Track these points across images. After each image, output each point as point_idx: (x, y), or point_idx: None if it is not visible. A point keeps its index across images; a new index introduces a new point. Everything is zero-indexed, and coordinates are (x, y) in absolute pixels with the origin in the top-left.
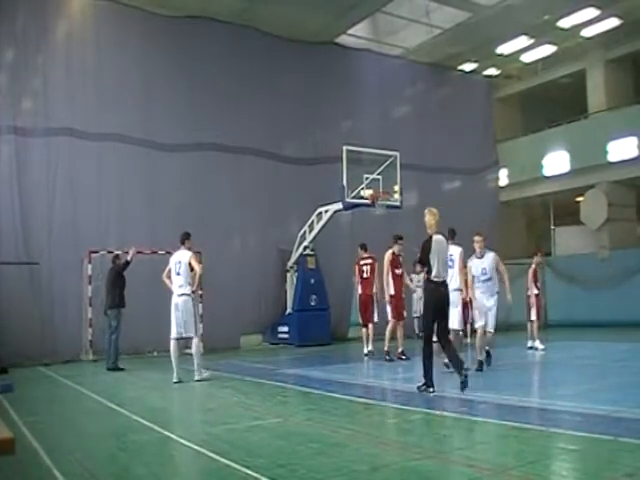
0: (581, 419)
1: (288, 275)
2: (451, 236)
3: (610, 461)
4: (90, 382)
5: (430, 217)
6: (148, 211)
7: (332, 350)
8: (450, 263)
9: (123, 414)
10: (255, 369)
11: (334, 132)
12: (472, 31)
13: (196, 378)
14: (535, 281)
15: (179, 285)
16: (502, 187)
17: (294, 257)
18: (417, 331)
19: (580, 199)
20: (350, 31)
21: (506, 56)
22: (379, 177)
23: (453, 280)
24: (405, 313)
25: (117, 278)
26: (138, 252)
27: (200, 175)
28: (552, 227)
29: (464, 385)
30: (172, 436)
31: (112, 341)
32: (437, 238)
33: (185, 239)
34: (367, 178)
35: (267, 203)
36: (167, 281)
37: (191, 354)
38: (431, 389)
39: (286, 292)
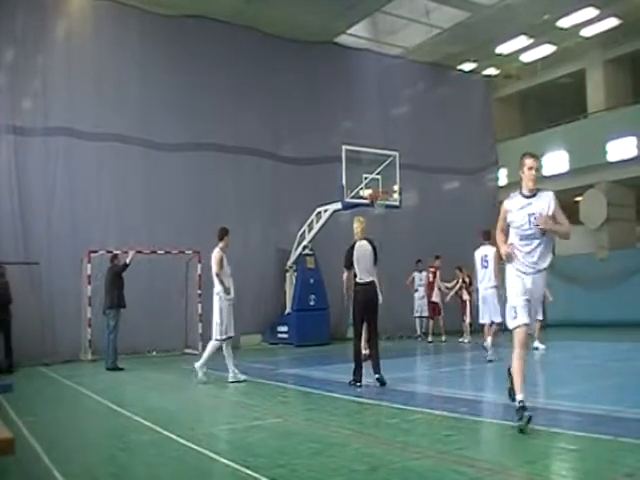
0: (581, 419)
1: (287, 275)
2: (486, 237)
3: (610, 461)
4: (90, 382)
5: (357, 225)
6: (147, 211)
7: (331, 350)
8: (485, 263)
9: (123, 414)
10: (255, 369)
11: (333, 132)
12: (471, 31)
13: (230, 380)
14: None
15: (215, 285)
16: (501, 187)
17: (293, 257)
18: (419, 331)
19: (579, 199)
20: (350, 31)
21: (505, 56)
22: (378, 177)
23: (486, 279)
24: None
25: (115, 278)
26: (137, 252)
27: (199, 175)
28: None
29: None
30: (172, 436)
31: (110, 341)
32: (360, 244)
33: (222, 235)
34: (366, 178)
35: (266, 203)
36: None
37: (191, 353)
38: (359, 384)
39: (285, 292)
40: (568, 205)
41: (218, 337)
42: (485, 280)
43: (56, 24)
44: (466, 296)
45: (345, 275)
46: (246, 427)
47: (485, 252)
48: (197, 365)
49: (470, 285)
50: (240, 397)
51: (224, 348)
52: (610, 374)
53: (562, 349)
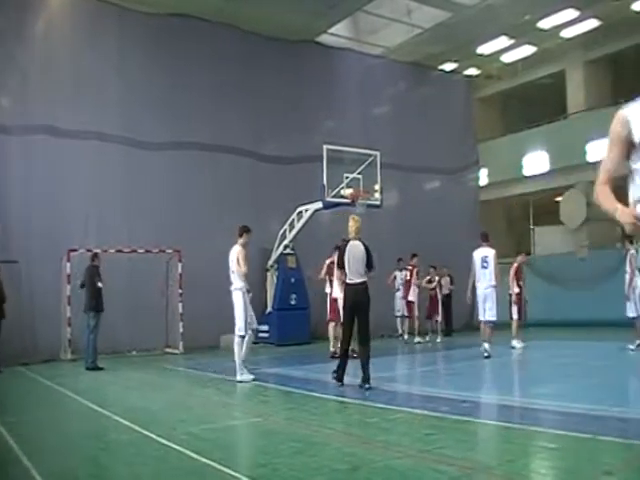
0: (561, 417)
1: (268, 274)
2: (484, 239)
3: (589, 459)
4: (70, 382)
5: (352, 223)
6: (127, 210)
7: (312, 349)
8: (485, 264)
9: (103, 414)
10: (236, 368)
11: (315, 131)
12: (452, 31)
13: (237, 379)
14: (517, 279)
15: (233, 282)
16: (482, 187)
17: (274, 256)
18: (400, 331)
19: (559, 199)
20: (331, 30)
21: (486, 56)
22: (359, 176)
23: (487, 279)
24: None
25: (92, 279)
26: (118, 251)
27: (180, 174)
28: (532, 226)
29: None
30: (152, 436)
31: (90, 340)
32: (353, 244)
33: (241, 232)
34: (347, 177)
35: (247, 202)
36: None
37: (172, 353)
38: (340, 383)
39: (266, 291)
40: (548, 205)
41: (242, 333)
42: (485, 280)
43: (35, 21)
44: (439, 295)
45: (336, 275)
46: (227, 426)
47: (485, 253)
48: (238, 374)
49: (451, 284)
50: (221, 396)
51: (238, 344)
52: (589, 373)
53: (542, 348)
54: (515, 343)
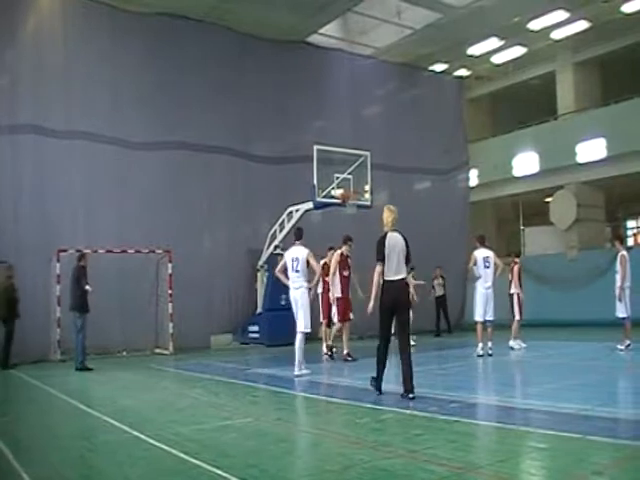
0: (550, 417)
1: (258, 274)
2: (481, 241)
3: (579, 459)
4: (59, 382)
5: (387, 214)
6: (117, 210)
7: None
8: (487, 264)
9: (93, 415)
10: (225, 369)
11: (305, 131)
12: (443, 32)
13: (295, 373)
14: (520, 280)
15: (296, 281)
16: (472, 187)
17: (264, 256)
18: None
19: (549, 200)
20: (321, 30)
21: (477, 57)
22: (350, 177)
23: (489, 279)
24: (352, 315)
25: (80, 279)
26: (107, 251)
27: (170, 174)
28: (522, 227)
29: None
30: (142, 436)
31: (79, 341)
32: (392, 235)
33: (301, 235)
34: (338, 178)
35: (237, 202)
36: (281, 276)
37: (162, 354)
38: (378, 392)
39: (256, 291)
40: (538, 205)
41: (308, 330)
42: (488, 280)
43: (25, 20)
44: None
45: (377, 270)
46: (216, 427)
47: (486, 254)
48: (296, 370)
49: (444, 285)
50: (210, 397)
51: (301, 340)
52: (579, 373)
53: (532, 349)
54: (514, 344)
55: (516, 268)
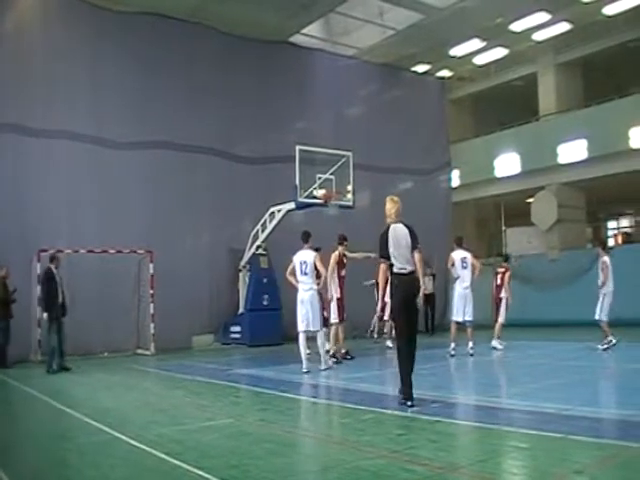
0: (532, 417)
1: (240, 275)
2: (459, 242)
3: (560, 458)
4: (40, 383)
5: (390, 205)
6: (99, 210)
7: (284, 350)
8: (464, 264)
9: (74, 416)
10: (207, 369)
11: (287, 131)
12: (425, 33)
13: (322, 367)
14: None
15: (306, 283)
16: (454, 188)
17: (247, 257)
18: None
19: (531, 200)
20: (304, 31)
21: (459, 58)
22: (332, 177)
23: (467, 279)
24: (346, 315)
25: (44, 282)
26: (89, 251)
27: (152, 173)
28: (503, 228)
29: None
30: (123, 437)
31: (48, 343)
32: (395, 227)
33: (308, 238)
34: (320, 178)
35: (220, 202)
36: (291, 278)
37: (143, 354)
38: (409, 402)
39: (238, 292)
40: (520, 206)
41: (316, 329)
42: (466, 280)
43: (4, 18)
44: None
45: (382, 268)
46: (198, 428)
47: (464, 255)
48: (324, 366)
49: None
50: (192, 397)
51: (326, 334)
52: (560, 373)
53: (514, 349)
54: (496, 343)
55: (507, 274)
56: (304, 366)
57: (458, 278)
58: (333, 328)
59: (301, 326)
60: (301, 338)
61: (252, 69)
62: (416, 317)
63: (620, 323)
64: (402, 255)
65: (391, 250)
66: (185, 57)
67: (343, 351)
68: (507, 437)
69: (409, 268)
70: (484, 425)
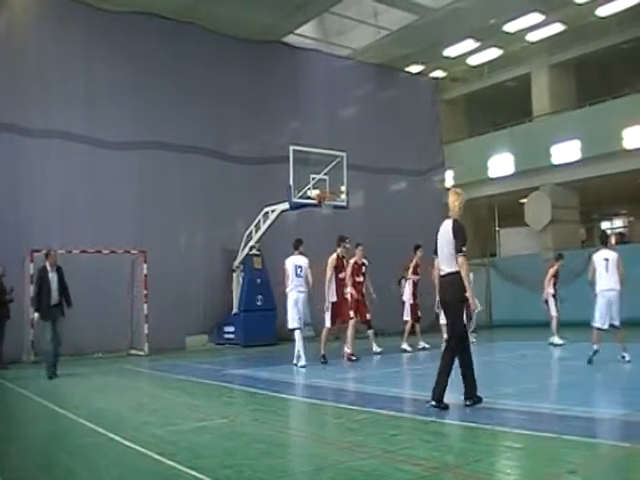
0: (526, 417)
1: (234, 275)
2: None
3: (554, 458)
4: (33, 384)
5: (453, 197)
6: (92, 209)
7: (278, 350)
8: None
9: (67, 417)
10: (201, 370)
11: (281, 132)
12: (419, 33)
13: (301, 364)
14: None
15: (301, 286)
16: (448, 188)
17: (240, 257)
18: None
19: (524, 201)
20: (298, 31)
21: (452, 59)
22: (326, 177)
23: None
24: (352, 314)
25: (39, 281)
26: (82, 251)
27: (145, 174)
28: (497, 228)
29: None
30: (117, 438)
31: (43, 346)
32: (444, 223)
33: (299, 245)
34: (314, 178)
35: (213, 202)
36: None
37: (137, 354)
38: (442, 406)
39: (232, 292)
40: (513, 207)
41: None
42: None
43: None
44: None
45: (434, 264)
46: (192, 428)
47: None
48: (302, 362)
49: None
50: (185, 398)
51: (299, 336)
52: (554, 373)
53: (507, 349)
54: (556, 339)
55: (550, 271)
56: (303, 360)
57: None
58: (324, 331)
59: (297, 323)
60: (297, 334)
61: (246, 69)
62: (456, 319)
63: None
64: (442, 255)
65: (439, 249)
66: (178, 57)
67: (349, 352)
68: (501, 437)
69: (447, 270)
70: (478, 425)
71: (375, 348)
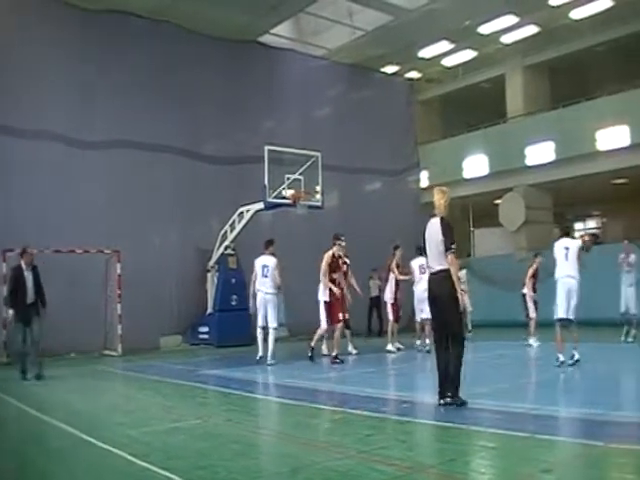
0: (500, 417)
1: (209, 275)
2: (419, 252)
3: (528, 457)
4: (5, 386)
5: (438, 196)
6: (66, 209)
7: (253, 351)
8: (422, 270)
9: (41, 419)
10: (175, 370)
11: (256, 131)
12: (394, 34)
13: (268, 362)
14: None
15: (267, 285)
16: (423, 189)
17: (215, 257)
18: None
19: (499, 201)
20: (273, 30)
21: (427, 60)
22: (301, 177)
23: (423, 283)
24: (342, 316)
25: (11, 279)
26: (55, 251)
27: (119, 173)
28: (471, 229)
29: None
30: (90, 439)
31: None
32: (431, 222)
33: (269, 245)
34: (289, 178)
35: (188, 202)
36: (252, 284)
37: (110, 355)
38: (446, 402)
39: (206, 292)
40: (488, 207)
41: (275, 325)
42: (422, 283)
43: None
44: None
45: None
46: (166, 429)
47: (422, 262)
48: (271, 361)
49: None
50: (159, 399)
51: (260, 335)
52: (527, 373)
53: (481, 349)
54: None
55: (530, 270)
56: (260, 354)
57: (415, 281)
58: (319, 331)
59: (261, 322)
60: (259, 332)
61: (221, 68)
62: (449, 318)
63: (589, 323)
64: (431, 253)
65: (427, 247)
66: (152, 56)
67: (334, 354)
68: (476, 437)
69: (437, 267)
70: (453, 425)
71: (351, 349)
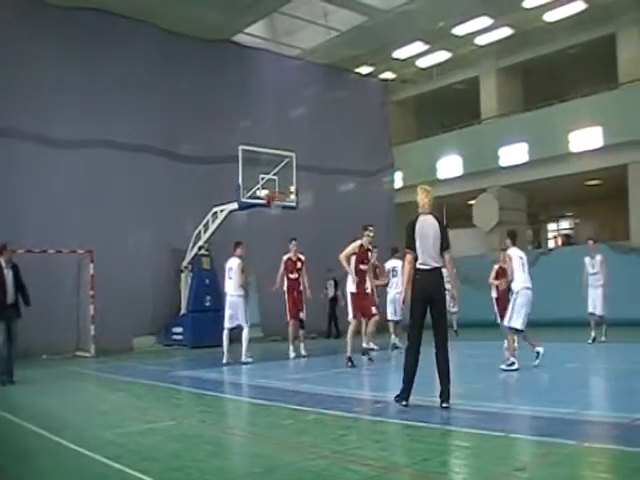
0: (474, 416)
1: (182, 275)
2: (394, 252)
3: (501, 456)
4: None
5: (422, 194)
6: (39, 209)
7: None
8: (394, 273)
9: (12, 421)
10: (149, 371)
11: (231, 131)
12: (368, 35)
13: (242, 360)
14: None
15: (232, 287)
16: (397, 189)
17: (189, 257)
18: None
19: (472, 202)
20: (247, 30)
21: (402, 60)
22: (275, 177)
23: (395, 285)
24: (375, 310)
25: None
26: (27, 251)
27: (93, 172)
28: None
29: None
30: (63, 442)
31: None
32: (424, 218)
33: (236, 247)
34: (263, 178)
35: (161, 202)
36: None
37: (83, 356)
38: (404, 402)
39: (180, 292)
40: (462, 208)
41: (247, 324)
42: (394, 286)
43: None
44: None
45: (407, 258)
46: (140, 430)
47: (395, 264)
48: (245, 359)
49: (336, 288)
50: (133, 400)
51: (226, 336)
52: (499, 373)
53: (455, 348)
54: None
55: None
56: (225, 359)
57: (389, 283)
58: (351, 325)
59: (227, 323)
60: (225, 334)
61: (195, 68)
62: (444, 315)
63: (564, 323)
64: (427, 250)
65: (417, 243)
66: (127, 54)
67: (368, 346)
68: (450, 436)
69: (433, 264)
70: (427, 425)
71: (301, 350)
